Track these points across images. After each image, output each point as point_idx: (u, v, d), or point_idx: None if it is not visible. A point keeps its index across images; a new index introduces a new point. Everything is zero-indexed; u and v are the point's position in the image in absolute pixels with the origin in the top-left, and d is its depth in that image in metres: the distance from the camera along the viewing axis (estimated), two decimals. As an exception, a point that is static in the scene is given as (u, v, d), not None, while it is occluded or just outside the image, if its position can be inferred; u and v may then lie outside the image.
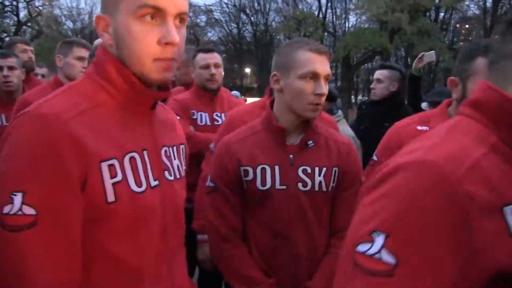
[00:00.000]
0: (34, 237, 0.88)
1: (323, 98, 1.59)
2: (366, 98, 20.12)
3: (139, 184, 1.02)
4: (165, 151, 1.13)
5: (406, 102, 3.50)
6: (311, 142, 1.66)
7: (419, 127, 1.68)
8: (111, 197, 0.96)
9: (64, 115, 0.93)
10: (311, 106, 1.57)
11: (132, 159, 1.02)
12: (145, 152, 1.06)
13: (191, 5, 25.92)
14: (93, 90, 1.03)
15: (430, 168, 0.72)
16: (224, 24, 31.66)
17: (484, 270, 0.67)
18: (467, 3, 24.59)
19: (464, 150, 0.75)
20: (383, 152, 1.89)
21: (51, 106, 0.95)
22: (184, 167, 1.23)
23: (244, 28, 31.91)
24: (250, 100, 13.74)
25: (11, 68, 3.04)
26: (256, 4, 30.31)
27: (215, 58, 2.70)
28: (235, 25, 31.79)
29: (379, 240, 0.71)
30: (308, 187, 1.62)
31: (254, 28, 31.27)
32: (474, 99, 0.84)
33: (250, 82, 35.79)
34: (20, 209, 0.87)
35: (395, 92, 3.34)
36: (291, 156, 1.63)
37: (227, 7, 30.93)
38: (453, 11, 23.40)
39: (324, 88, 1.57)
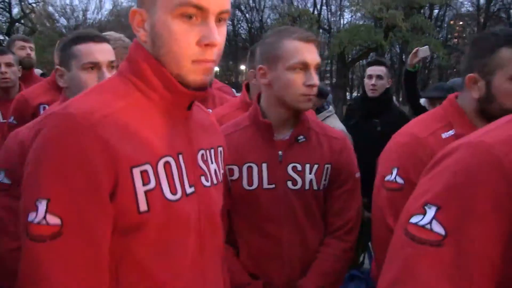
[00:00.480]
0: (57, 249, 0.82)
1: (315, 89, 1.51)
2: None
3: (174, 192, 0.95)
4: (202, 154, 1.06)
5: (405, 99, 3.51)
6: (301, 137, 1.58)
7: (444, 135, 1.43)
8: (143, 206, 0.89)
9: (93, 116, 0.86)
10: (303, 97, 1.50)
11: (166, 164, 0.94)
12: (180, 156, 0.98)
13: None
14: (126, 89, 0.96)
15: (484, 148, 0.75)
16: (219, 21, 31.43)
17: None
18: (460, 0, 24.68)
19: None
20: (413, 169, 1.38)
21: (79, 105, 0.89)
22: (222, 171, 1.16)
23: (239, 25, 31.83)
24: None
25: (8, 64, 3.08)
26: (251, 1, 30.23)
27: None
28: (230, 22, 31.65)
29: (431, 212, 0.75)
30: (298, 186, 1.55)
31: (249, 25, 31.19)
32: None
33: (245, 79, 35.66)
34: (44, 218, 0.81)
35: (388, 88, 3.36)
36: (280, 152, 1.55)
37: (222, 4, 30.69)
38: (447, 8, 23.46)
39: (315, 79, 1.50)
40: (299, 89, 1.49)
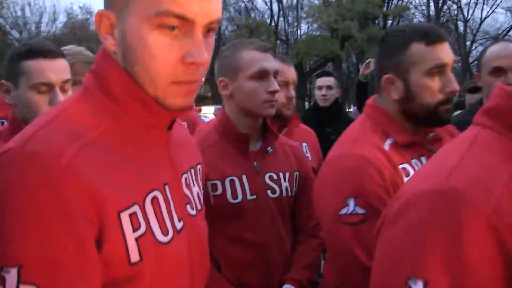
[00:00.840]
0: None
1: (277, 95, 1.55)
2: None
3: (165, 232, 0.79)
4: (185, 179, 0.92)
5: (356, 108, 3.60)
6: (270, 148, 1.63)
7: (386, 147, 1.33)
8: (135, 257, 0.73)
9: (64, 153, 0.68)
10: (266, 103, 1.52)
11: (154, 199, 0.79)
12: (166, 187, 0.83)
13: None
14: (94, 111, 0.78)
15: (457, 198, 0.65)
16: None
17: None
18: (412, 11, 25.58)
19: (489, 171, 0.68)
20: (372, 193, 1.26)
21: (43, 140, 0.70)
22: (202, 191, 1.02)
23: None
24: (205, 109, 13.63)
25: None
26: (209, 13, 30.27)
27: None
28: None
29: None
30: (277, 194, 1.60)
31: (208, 36, 31.20)
32: (492, 107, 0.75)
33: (204, 91, 35.63)
34: None
35: (337, 98, 3.47)
36: (255, 163, 1.58)
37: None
38: (400, 19, 24.24)
39: (276, 85, 1.53)
40: (262, 96, 1.52)
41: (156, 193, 0.80)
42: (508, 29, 24.60)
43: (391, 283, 0.70)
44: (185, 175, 0.92)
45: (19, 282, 0.63)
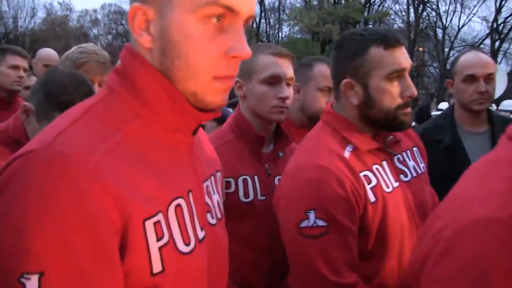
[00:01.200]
0: None
1: (288, 101, 1.55)
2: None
3: (187, 242, 0.76)
4: (207, 186, 0.88)
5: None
6: (281, 152, 1.63)
7: (346, 154, 1.30)
8: (157, 267, 0.70)
9: (90, 157, 0.65)
10: (276, 109, 1.53)
11: (178, 207, 0.76)
12: (190, 194, 0.80)
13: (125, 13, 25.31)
14: (121, 114, 0.74)
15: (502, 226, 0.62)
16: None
17: None
18: (392, 16, 25.93)
19: None
20: (334, 205, 1.24)
21: (68, 141, 0.67)
22: (222, 200, 0.99)
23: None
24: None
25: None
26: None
27: None
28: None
29: None
30: None
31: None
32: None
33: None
34: None
35: None
36: (266, 165, 1.58)
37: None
38: (381, 24, 24.54)
39: (287, 91, 1.54)
40: (271, 101, 1.53)
41: (180, 201, 0.76)
42: (483, 37, 25.18)
43: None
44: (206, 182, 0.88)
45: None
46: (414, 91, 1.30)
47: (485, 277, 0.61)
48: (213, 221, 0.87)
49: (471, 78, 2.04)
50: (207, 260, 0.82)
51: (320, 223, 1.23)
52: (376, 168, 1.33)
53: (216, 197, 0.92)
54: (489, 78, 2.04)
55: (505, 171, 0.69)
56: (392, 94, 1.29)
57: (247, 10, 0.74)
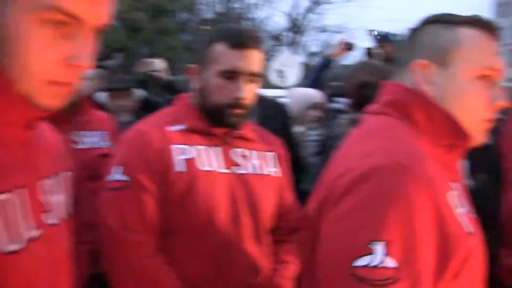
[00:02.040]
0: None
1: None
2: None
3: (14, 239, 0.75)
4: (47, 184, 0.86)
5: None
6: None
7: (169, 128, 1.43)
8: None
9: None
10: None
11: (1, 203, 0.73)
12: (24, 191, 0.78)
13: None
14: None
15: (403, 170, 0.82)
16: None
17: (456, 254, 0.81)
18: (203, 7, 26.52)
19: (412, 146, 0.88)
20: (140, 166, 1.40)
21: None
22: (69, 201, 0.97)
23: None
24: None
25: None
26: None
27: None
28: None
29: (380, 249, 0.77)
30: None
31: None
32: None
33: None
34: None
35: None
36: None
37: None
38: (191, 13, 24.93)
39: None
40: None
41: (5, 196, 0.73)
42: (284, 30, 27.45)
43: (352, 248, 0.80)
44: (46, 181, 0.85)
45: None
46: (240, 94, 1.40)
47: (381, 212, 0.80)
48: (53, 221, 0.85)
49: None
50: (43, 260, 0.80)
51: (123, 177, 1.37)
52: (200, 148, 1.41)
53: (61, 197, 0.90)
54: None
55: (384, 134, 0.91)
56: (221, 91, 1.41)
57: (94, 19, 0.72)
